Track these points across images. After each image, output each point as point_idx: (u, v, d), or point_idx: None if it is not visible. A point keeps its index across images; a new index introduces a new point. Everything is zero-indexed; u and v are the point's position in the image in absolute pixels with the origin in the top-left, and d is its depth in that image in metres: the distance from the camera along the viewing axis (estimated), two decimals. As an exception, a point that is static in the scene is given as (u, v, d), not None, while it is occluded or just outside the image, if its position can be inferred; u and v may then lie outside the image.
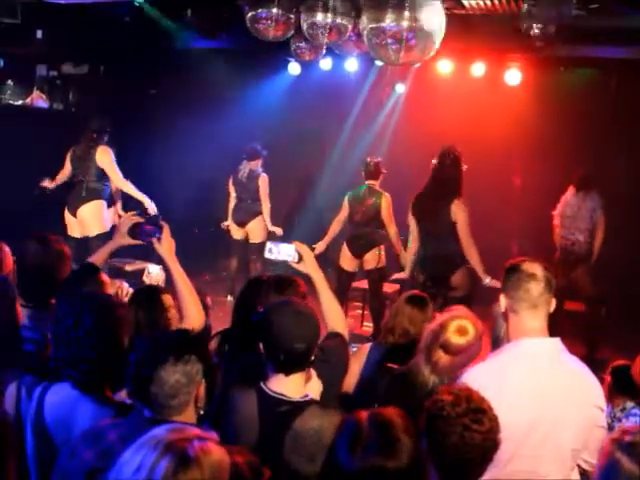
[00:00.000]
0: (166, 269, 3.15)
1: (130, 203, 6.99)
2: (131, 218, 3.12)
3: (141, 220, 3.09)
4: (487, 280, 5.44)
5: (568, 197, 6.92)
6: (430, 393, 2.70)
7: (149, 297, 3.26)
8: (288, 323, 2.32)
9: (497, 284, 5.17)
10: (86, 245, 6.65)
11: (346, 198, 6.94)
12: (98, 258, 3.15)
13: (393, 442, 1.74)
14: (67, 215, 6.80)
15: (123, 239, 3.10)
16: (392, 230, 6.73)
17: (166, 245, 2.99)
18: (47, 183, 6.82)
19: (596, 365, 3.80)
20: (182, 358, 2.03)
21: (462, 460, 1.98)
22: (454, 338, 2.70)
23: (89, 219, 6.71)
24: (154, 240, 2.99)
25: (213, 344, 3.24)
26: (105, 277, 3.13)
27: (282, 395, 2.31)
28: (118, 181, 6.78)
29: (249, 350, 2.73)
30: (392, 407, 1.87)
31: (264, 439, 2.25)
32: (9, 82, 8.30)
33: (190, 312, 2.92)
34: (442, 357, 2.73)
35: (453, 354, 2.70)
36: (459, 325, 2.74)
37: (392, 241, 6.75)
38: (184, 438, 1.42)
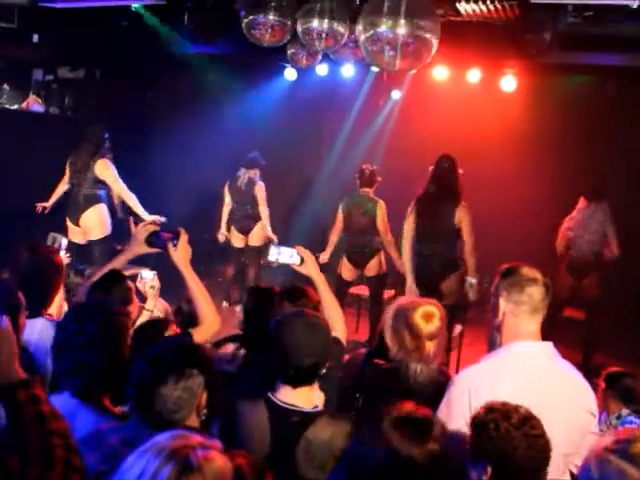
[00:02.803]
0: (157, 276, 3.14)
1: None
2: (148, 227, 3.10)
3: (157, 228, 3.09)
4: (471, 280, 5.67)
5: (579, 208, 6.90)
6: (422, 384, 2.76)
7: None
8: (298, 337, 2.31)
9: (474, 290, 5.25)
10: (88, 250, 6.74)
11: (340, 207, 6.93)
12: (115, 266, 3.13)
13: (426, 428, 1.68)
14: (69, 222, 6.80)
15: (141, 247, 3.08)
16: (387, 238, 6.73)
17: (181, 252, 2.98)
18: (45, 204, 6.86)
19: (590, 371, 3.80)
20: (183, 375, 2.04)
21: (532, 468, 1.98)
22: (428, 326, 2.80)
23: (92, 225, 6.75)
24: (169, 246, 2.98)
25: (229, 348, 3.25)
26: (131, 284, 3.13)
27: (292, 405, 2.31)
28: (122, 192, 6.79)
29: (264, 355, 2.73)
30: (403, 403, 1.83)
31: (276, 450, 2.25)
32: (5, 86, 8.28)
33: (206, 318, 2.98)
34: (430, 344, 2.79)
35: (435, 338, 2.82)
36: (425, 311, 2.83)
37: (387, 248, 6.75)
38: (187, 445, 1.42)
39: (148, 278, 4.04)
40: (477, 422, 2.04)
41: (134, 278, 4.22)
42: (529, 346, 2.45)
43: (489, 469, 1.98)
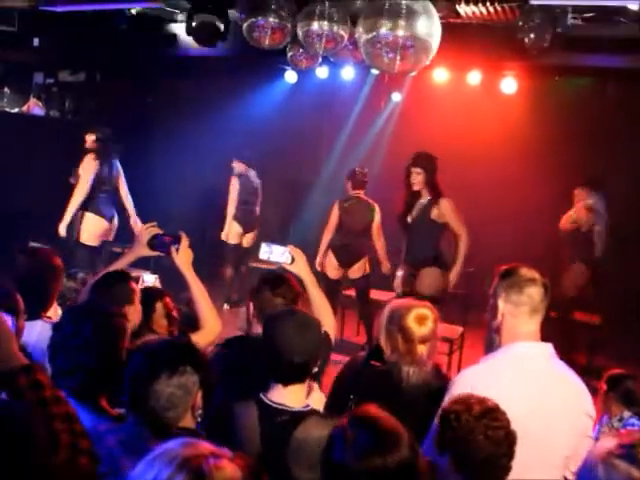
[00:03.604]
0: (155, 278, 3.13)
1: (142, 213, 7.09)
2: (150, 229, 3.13)
3: (160, 231, 3.11)
4: None
5: (590, 201, 6.70)
6: (415, 386, 2.75)
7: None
8: (289, 335, 2.30)
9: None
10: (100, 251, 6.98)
11: (336, 206, 6.89)
12: (117, 268, 3.17)
13: (387, 437, 1.70)
14: (101, 223, 6.90)
15: (143, 250, 3.12)
16: (380, 242, 6.76)
17: (183, 256, 3.02)
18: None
19: (591, 373, 3.80)
20: (176, 371, 2.03)
21: (492, 460, 2.00)
22: (421, 329, 2.79)
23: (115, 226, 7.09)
24: (172, 250, 3.02)
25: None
26: (135, 285, 3.13)
27: (282, 405, 2.30)
28: (126, 189, 7.12)
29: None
30: (370, 403, 1.84)
31: (266, 449, 2.25)
32: (6, 89, 8.30)
33: (207, 321, 3.00)
34: (423, 348, 2.78)
35: (428, 341, 2.80)
36: (418, 314, 2.83)
37: (379, 252, 6.79)
38: (199, 454, 1.42)
39: (150, 282, 4.05)
40: (441, 414, 2.08)
41: (136, 281, 4.23)
42: (528, 347, 2.45)
43: (451, 460, 2.01)
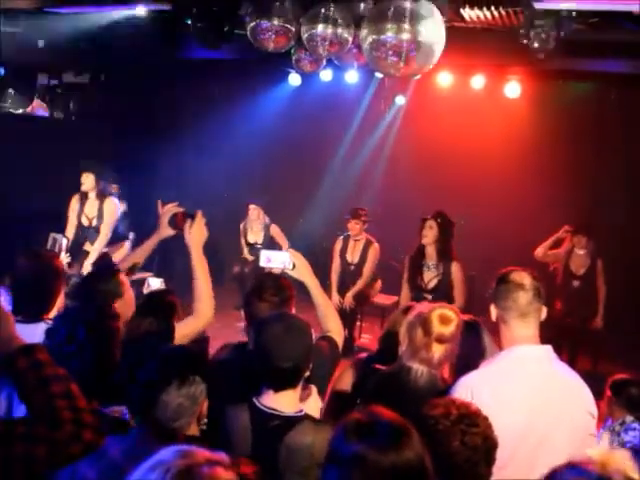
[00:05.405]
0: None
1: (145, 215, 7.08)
2: (171, 209, 3.19)
3: (180, 210, 3.18)
4: None
5: (583, 244, 6.77)
6: (423, 388, 2.72)
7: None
8: (276, 341, 2.29)
9: None
10: None
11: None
12: (144, 249, 3.29)
13: (401, 433, 1.64)
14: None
15: (166, 231, 3.19)
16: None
17: (195, 233, 3.06)
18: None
19: (597, 379, 3.79)
20: (186, 381, 2.02)
21: (469, 465, 1.99)
22: (442, 328, 2.76)
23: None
24: (185, 226, 3.07)
25: None
26: (124, 278, 3.14)
27: (275, 410, 2.29)
28: (105, 234, 6.88)
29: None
30: (378, 405, 1.83)
31: (257, 454, 2.22)
32: (10, 91, 8.30)
33: (200, 302, 3.00)
34: (439, 348, 2.76)
35: (445, 342, 2.77)
36: (443, 314, 2.81)
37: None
38: (193, 464, 1.40)
39: (155, 286, 4.02)
40: (422, 417, 2.06)
41: (141, 283, 4.22)
42: (527, 350, 2.48)
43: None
